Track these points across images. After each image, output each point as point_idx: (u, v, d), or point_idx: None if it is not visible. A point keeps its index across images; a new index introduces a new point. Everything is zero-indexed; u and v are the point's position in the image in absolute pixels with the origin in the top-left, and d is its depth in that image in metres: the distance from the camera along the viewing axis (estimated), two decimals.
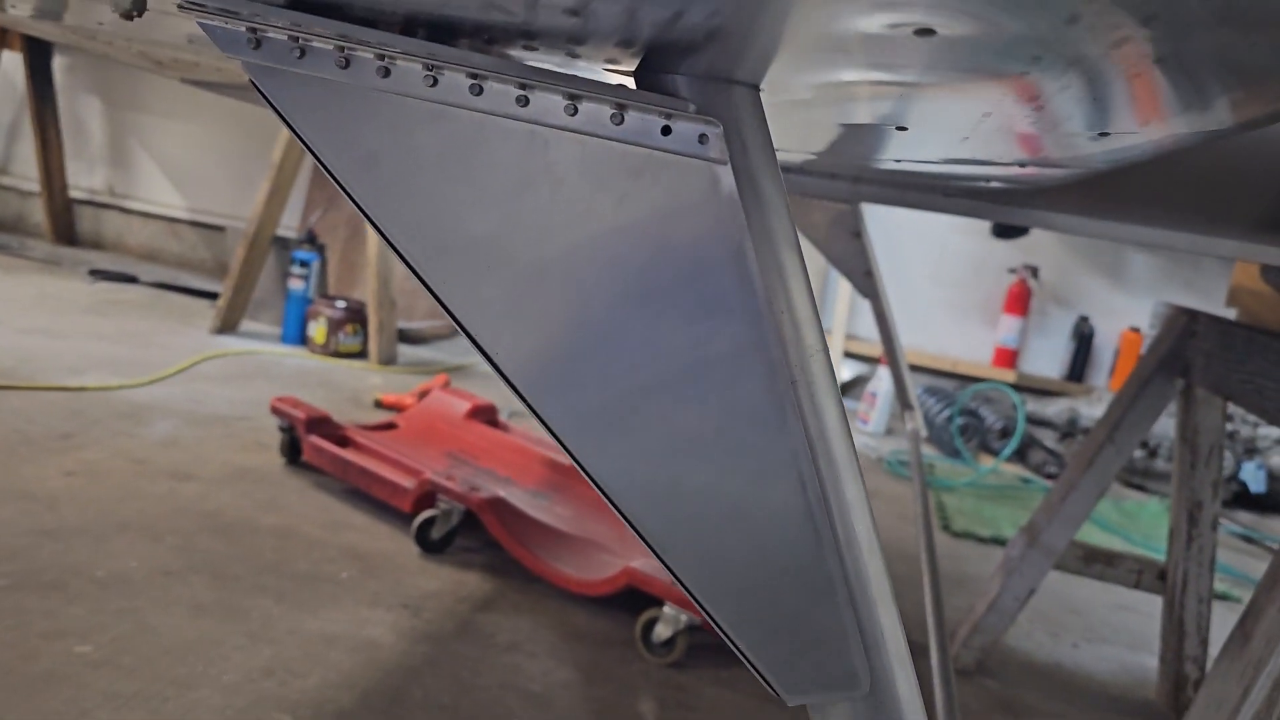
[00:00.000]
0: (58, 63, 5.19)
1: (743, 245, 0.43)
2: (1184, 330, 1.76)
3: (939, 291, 4.59)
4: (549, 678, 1.69)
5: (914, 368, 4.59)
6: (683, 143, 0.43)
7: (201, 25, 0.45)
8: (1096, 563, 2.03)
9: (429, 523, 2.08)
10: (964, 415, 3.93)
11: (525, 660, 1.73)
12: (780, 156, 1.28)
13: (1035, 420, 4.11)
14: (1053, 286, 4.49)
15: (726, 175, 0.43)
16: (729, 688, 1.78)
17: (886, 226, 4.59)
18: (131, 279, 4.57)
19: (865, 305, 4.45)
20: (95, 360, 3.09)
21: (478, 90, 0.45)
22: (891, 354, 2.62)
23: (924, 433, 3.11)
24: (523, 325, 0.44)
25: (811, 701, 0.45)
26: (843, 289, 4.50)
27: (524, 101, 0.44)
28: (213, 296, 4.29)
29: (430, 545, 2.09)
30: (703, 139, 0.43)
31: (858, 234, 2.58)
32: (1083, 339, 4.40)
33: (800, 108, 0.63)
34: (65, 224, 5.29)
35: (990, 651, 2.06)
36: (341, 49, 0.44)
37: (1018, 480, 3.77)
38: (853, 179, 1.43)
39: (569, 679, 1.71)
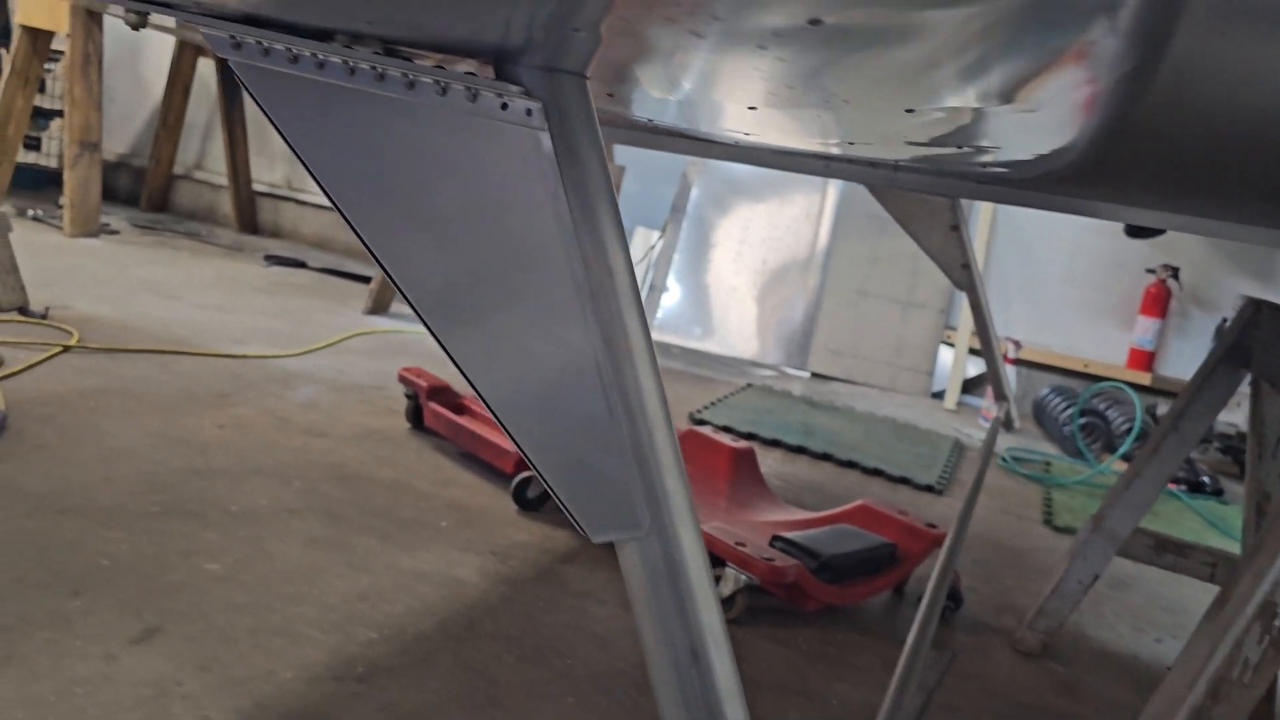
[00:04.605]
0: None
1: (558, 191, 0.58)
2: (1249, 320, 1.77)
3: (1072, 291, 4.50)
4: (613, 623, 1.85)
5: (1042, 367, 4.53)
6: (515, 115, 0.58)
7: (201, 33, 0.64)
8: (1168, 553, 2.03)
9: (526, 482, 2.28)
10: (1088, 415, 3.87)
11: (594, 606, 1.90)
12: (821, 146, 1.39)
13: None
14: (1194, 288, 4.34)
15: (545, 139, 0.58)
16: (784, 645, 1.89)
17: (1017, 225, 4.54)
18: (301, 264, 5.00)
19: (996, 304, 4.42)
20: (258, 333, 3.45)
21: (379, 77, 0.61)
22: (987, 344, 2.66)
23: (1016, 423, 3.10)
24: (411, 245, 0.60)
25: (607, 539, 0.60)
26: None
27: (410, 85, 0.61)
28: (369, 280, 4.66)
29: (526, 503, 2.28)
30: (529, 113, 0.58)
31: (955, 227, 2.63)
32: None
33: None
34: (248, 214, 5.82)
35: (1057, 635, 2.09)
36: (289, 49, 0.62)
37: None
38: (892, 167, 1.52)
39: (632, 626, 1.86)
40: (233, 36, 0.62)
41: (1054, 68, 0.69)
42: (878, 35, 0.46)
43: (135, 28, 0.66)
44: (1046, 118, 0.92)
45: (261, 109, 0.64)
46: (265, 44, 0.62)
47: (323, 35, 0.65)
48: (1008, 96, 0.79)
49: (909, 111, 0.74)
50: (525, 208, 0.59)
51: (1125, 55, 0.66)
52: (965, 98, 0.77)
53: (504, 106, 0.59)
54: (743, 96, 0.62)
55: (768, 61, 0.49)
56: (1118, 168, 1.35)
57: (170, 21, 4.88)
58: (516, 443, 0.60)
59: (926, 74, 0.64)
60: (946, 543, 1.63)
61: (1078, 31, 0.58)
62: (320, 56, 0.61)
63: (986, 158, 1.25)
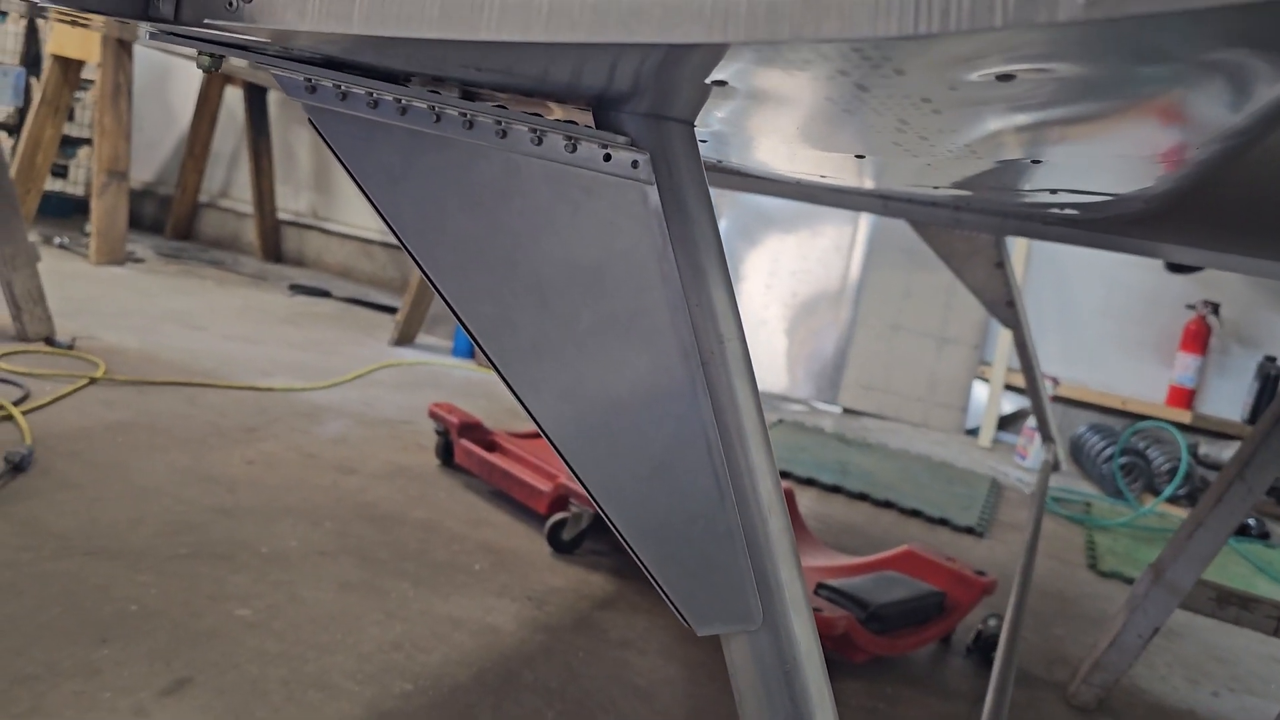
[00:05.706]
0: (272, 97, 5.72)
1: (665, 250, 0.53)
2: None
3: (1109, 326, 4.42)
4: (655, 674, 1.79)
5: (1079, 404, 4.44)
6: (619, 167, 0.53)
7: (273, 75, 0.59)
8: (1231, 605, 1.96)
9: (560, 524, 2.22)
10: (1128, 454, 3.78)
11: (635, 656, 1.83)
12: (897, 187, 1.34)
13: (1210, 464, 3.90)
14: (1236, 324, 4.25)
15: (653, 193, 0.53)
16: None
17: (1053, 259, 4.47)
18: (325, 294, 4.98)
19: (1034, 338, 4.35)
20: (284, 365, 3.41)
21: (468, 124, 0.56)
22: (1033, 385, 2.59)
23: (1062, 465, 3.03)
24: (499, 304, 0.55)
25: (714, 632, 0.54)
26: None
27: (503, 134, 0.56)
28: (394, 311, 4.63)
29: (561, 545, 2.22)
30: (634, 164, 0.53)
31: (999, 264, 2.57)
32: (1268, 380, 4.14)
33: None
34: (273, 243, 5.81)
35: (1113, 690, 2.01)
36: (370, 93, 0.57)
37: None
38: (954, 207, 1.47)
39: (674, 676, 1.79)
40: (308, 80, 0.57)
41: (1168, 120, 0.63)
42: (1054, 89, 0.41)
43: (208, 70, 0.62)
44: (1138, 162, 0.87)
45: (336, 156, 0.59)
46: (344, 88, 0.57)
47: (400, 79, 0.60)
48: (1112, 144, 0.74)
49: (1002, 162, 0.68)
50: (628, 267, 0.53)
51: (1249, 126, 0.61)
52: (1076, 146, 0.72)
53: (607, 158, 0.54)
54: (860, 147, 0.56)
55: (919, 115, 0.44)
56: (1195, 211, 1.29)
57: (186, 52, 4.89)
58: (613, 524, 0.54)
59: (1054, 126, 0.58)
60: (1011, 602, 1.55)
61: (1225, 102, 0.52)
62: (403, 101, 0.56)
63: (1061, 199, 1.19)
